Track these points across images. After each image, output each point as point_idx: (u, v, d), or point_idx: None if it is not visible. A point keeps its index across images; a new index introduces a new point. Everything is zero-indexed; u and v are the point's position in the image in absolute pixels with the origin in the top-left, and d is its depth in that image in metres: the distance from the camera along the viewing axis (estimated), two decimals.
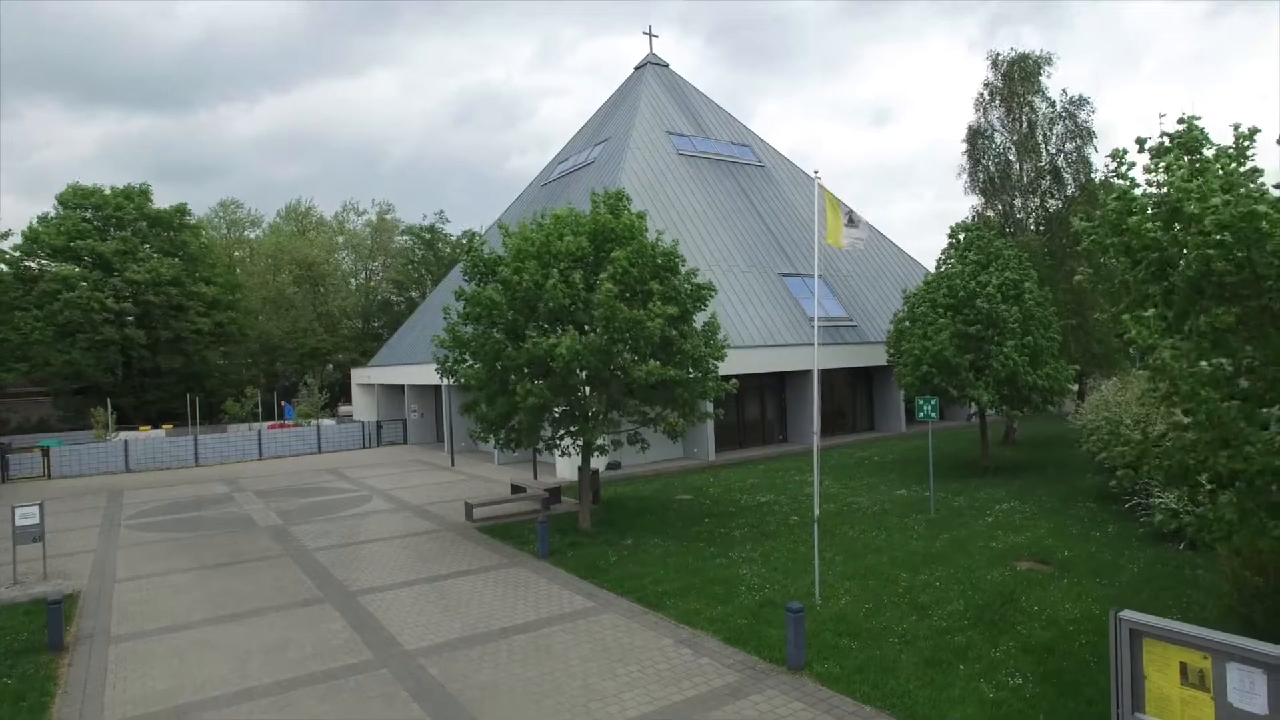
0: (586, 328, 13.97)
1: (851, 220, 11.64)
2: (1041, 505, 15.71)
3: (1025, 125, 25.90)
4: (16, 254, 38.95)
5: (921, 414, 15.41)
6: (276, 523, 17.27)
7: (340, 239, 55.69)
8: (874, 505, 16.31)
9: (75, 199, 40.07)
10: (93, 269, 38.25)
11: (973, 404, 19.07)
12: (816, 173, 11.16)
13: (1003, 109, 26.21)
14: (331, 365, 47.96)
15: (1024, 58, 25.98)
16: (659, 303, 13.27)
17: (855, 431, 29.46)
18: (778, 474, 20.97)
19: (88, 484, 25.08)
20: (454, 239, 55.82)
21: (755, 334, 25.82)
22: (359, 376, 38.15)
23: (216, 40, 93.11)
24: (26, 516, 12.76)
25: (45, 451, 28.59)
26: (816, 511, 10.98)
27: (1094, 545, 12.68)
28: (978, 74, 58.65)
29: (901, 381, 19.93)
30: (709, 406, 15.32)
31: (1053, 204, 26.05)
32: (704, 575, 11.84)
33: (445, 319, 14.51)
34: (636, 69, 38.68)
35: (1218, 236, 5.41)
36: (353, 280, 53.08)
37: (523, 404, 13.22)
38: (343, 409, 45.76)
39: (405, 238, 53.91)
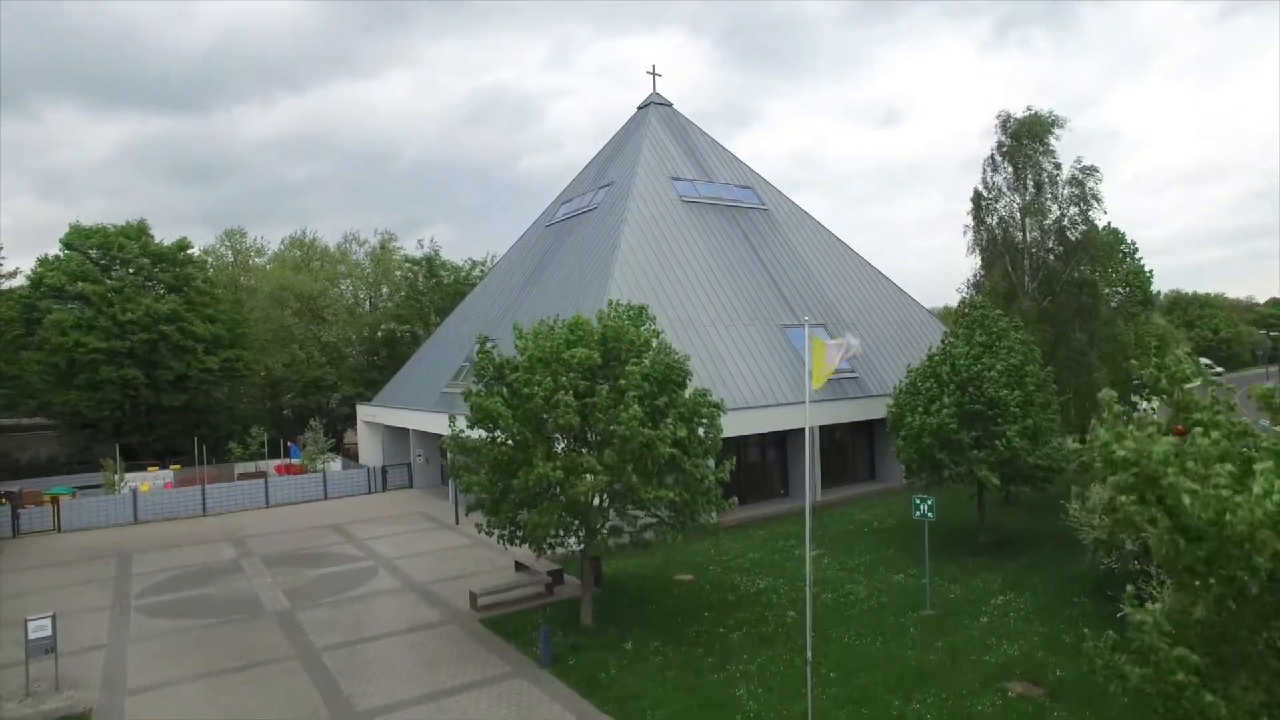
0: (588, 432, 14.25)
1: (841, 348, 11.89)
2: (1037, 600, 15.93)
3: (1032, 186, 26.00)
4: (25, 297, 39.26)
5: (918, 513, 15.63)
6: (284, 606, 17.55)
7: (343, 268, 55.91)
8: (871, 597, 16.54)
9: (79, 239, 40.39)
10: (92, 310, 38.52)
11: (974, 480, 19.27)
12: (807, 318, 11.44)
13: (1009, 167, 26.29)
14: (334, 403, 48.25)
15: (1034, 118, 26.01)
16: (670, 423, 13.47)
17: (856, 482, 29.63)
18: (777, 544, 21.20)
19: (97, 541, 25.36)
20: (454, 265, 55.98)
21: (756, 392, 26.06)
22: (364, 414, 38.43)
23: (233, 42, 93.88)
24: (39, 630, 13.08)
25: (55, 500, 28.98)
26: (810, 654, 11.19)
27: (1087, 662, 12.87)
28: (985, 76, 58.59)
29: (901, 456, 20.15)
30: (712, 516, 15.49)
31: (1055, 264, 26.16)
32: (701, 696, 12.10)
33: (451, 427, 14.77)
34: (640, 109, 38.87)
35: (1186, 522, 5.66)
36: (356, 309, 53.27)
37: (539, 524, 13.50)
38: (349, 437, 46.14)
39: (402, 271, 54.17)
